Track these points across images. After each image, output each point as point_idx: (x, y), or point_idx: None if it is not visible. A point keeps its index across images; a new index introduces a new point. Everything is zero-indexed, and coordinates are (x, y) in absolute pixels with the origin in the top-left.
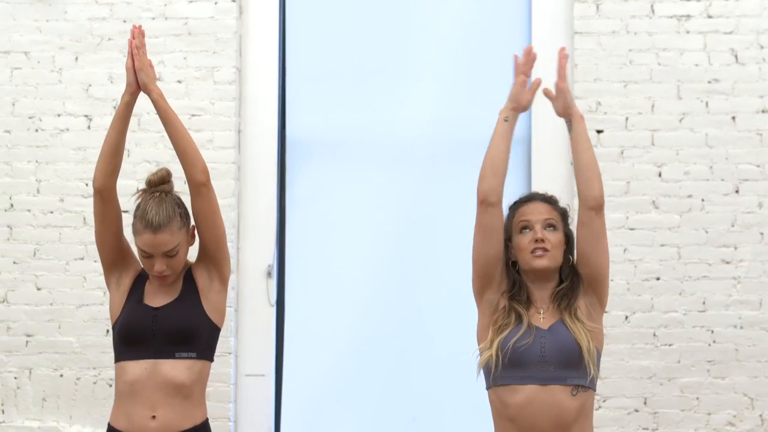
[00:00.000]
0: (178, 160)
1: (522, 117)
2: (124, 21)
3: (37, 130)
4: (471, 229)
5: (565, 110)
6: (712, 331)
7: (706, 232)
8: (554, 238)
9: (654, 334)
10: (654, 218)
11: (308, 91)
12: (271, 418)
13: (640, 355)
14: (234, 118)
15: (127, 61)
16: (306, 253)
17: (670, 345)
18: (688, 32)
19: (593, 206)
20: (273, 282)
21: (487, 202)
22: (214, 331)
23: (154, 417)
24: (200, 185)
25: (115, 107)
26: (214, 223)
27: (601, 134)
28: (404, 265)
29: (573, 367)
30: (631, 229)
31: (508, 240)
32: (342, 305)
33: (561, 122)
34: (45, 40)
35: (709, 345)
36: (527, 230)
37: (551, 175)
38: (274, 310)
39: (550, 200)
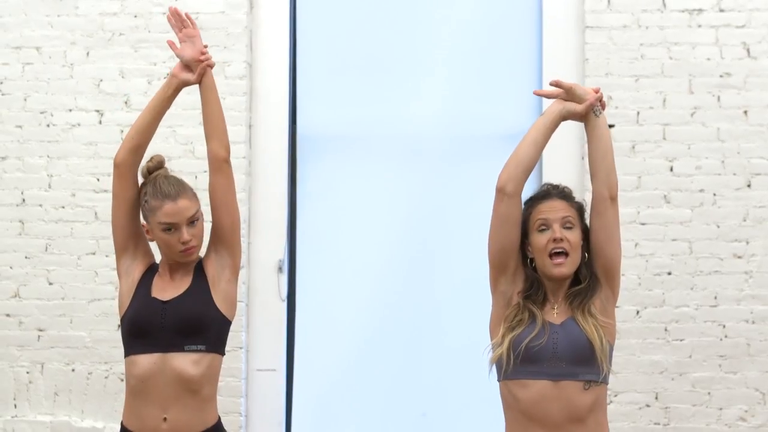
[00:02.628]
0: (188, 155)
1: (533, 111)
2: (135, 16)
3: (48, 126)
4: (481, 223)
5: (584, 106)
6: (724, 326)
7: (718, 226)
8: (573, 237)
9: (665, 329)
10: (665, 213)
11: (319, 86)
12: (282, 412)
13: (651, 350)
14: (245, 113)
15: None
16: (317, 248)
17: (681, 340)
18: (699, 26)
19: (611, 195)
20: (284, 277)
21: (504, 191)
22: (224, 324)
23: (165, 419)
24: (222, 161)
25: (126, 102)
26: (232, 202)
27: (613, 129)
28: (415, 259)
29: (585, 363)
30: (643, 223)
31: (524, 237)
32: (353, 300)
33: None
34: (56, 36)
35: (721, 340)
36: (545, 229)
37: (562, 172)
38: (285, 305)
39: (567, 196)
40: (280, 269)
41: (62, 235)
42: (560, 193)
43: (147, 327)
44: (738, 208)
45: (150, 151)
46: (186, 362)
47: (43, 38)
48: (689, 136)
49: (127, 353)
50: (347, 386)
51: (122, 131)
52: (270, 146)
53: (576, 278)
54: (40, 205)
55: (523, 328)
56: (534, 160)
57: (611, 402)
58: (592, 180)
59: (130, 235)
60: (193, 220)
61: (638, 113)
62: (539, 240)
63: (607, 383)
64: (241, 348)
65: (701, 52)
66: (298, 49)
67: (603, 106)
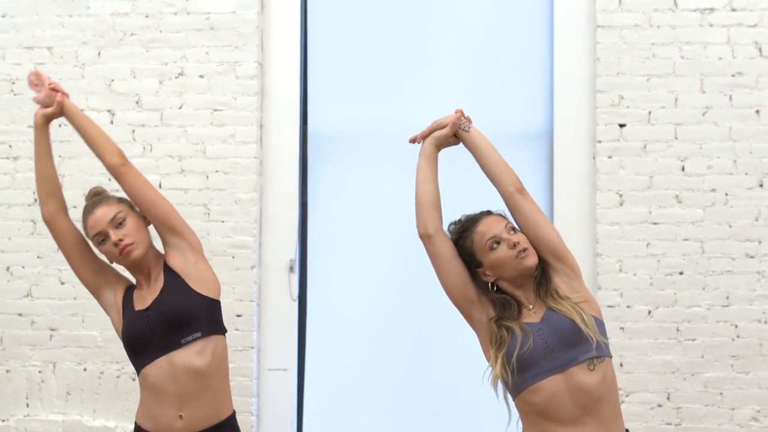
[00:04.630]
0: (200, 155)
1: (544, 111)
2: (146, 16)
3: (60, 125)
4: None
5: (448, 127)
6: (736, 326)
7: (730, 226)
8: (522, 237)
9: (677, 329)
10: (677, 212)
11: (330, 85)
12: (294, 412)
13: (663, 350)
14: (256, 113)
15: (37, 95)
16: (328, 247)
17: (693, 340)
18: (711, 25)
19: (516, 189)
20: (295, 277)
21: (428, 235)
22: (211, 305)
23: (180, 416)
24: (118, 166)
25: (137, 102)
26: (150, 195)
27: (624, 128)
28: (425, 259)
29: (576, 344)
30: (654, 223)
31: (477, 267)
32: (363, 299)
33: (583, 117)
34: (68, 36)
35: (733, 340)
36: (497, 244)
37: (573, 169)
38: (296, 304)
39: (492, 212)
40: (291, 269)
41: None
42: (484, 213)
43: (139, 339)
44: (750, 208)
45: (163, 151)
46: (189, 355)
47: (55, 38)
48: (701, 136)
49: (138, 370)
50: (358, 385)
51: (134, 131)
52: (281, 146)
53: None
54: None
55: (509, 342)
56: (436, 195)
57: (623, 402)
58: (495, 185)
59: (95, 272)
60: (119, 222)
61: (650, 113)
62: (498, 255)
63: (609, 356)
64: (252, 348)
65: (713, 52)
66: (309, 48)
67: (469, 120)
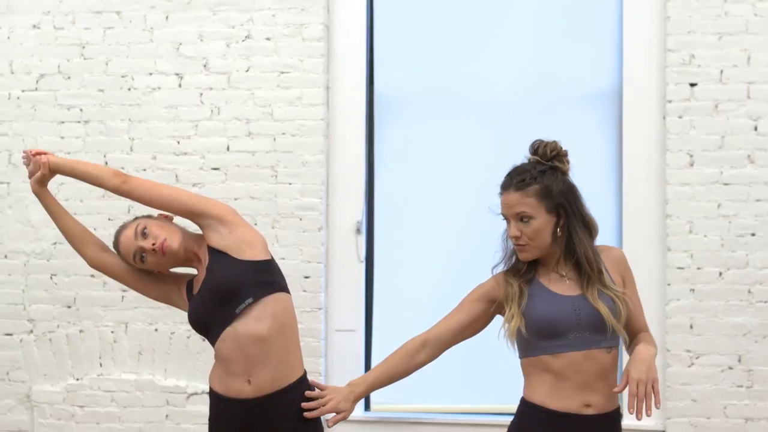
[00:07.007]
0: (267, 118)
1: (614, 71)
2: None
3: (129, 89)
4: None
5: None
6: None
7: None
8: (529, 229)
9: (749, 291)
10: (749, 173)
11: (396, 47)
12: (361, 372)
13: (734, 312)
14: (323, 74)
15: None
16: (394, 208)
17: (765, 302)
18: None
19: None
20: (362, 238)
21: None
22: (255, 266)
23: (249, 381)
24: (120, 185)
25: (205, 65)
26: (162, 193)
27: (695, 87)
28: (491, 220)
29: (604, 331)
30: (726, 184)
31: None
32: (430, 260)
33: (653, 76)
34: (136, 0)
35: None
36: (508, 222)
37: (643, 129)
38: (363, 266)
39: (521, 186)
40: (358, 230)
41: None
42: (515, 184)
43: (201, 320)
44: None
45: (230, 114)
46: (249, 322)
47: (124, 3)
48: None
49: (213, 344)
50: None
51: (201, 94)
52: (348, 107)
53: (570, 248)
54: (122, 168)
55: (524, 299)
56: (406, 372)
57: (693, 364)
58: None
59: (157, 286)
60: (142, 233)
61: (722, 71)
62: (507, 230)
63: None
64: (320, 309)
65: None
66: (375, 9)
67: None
